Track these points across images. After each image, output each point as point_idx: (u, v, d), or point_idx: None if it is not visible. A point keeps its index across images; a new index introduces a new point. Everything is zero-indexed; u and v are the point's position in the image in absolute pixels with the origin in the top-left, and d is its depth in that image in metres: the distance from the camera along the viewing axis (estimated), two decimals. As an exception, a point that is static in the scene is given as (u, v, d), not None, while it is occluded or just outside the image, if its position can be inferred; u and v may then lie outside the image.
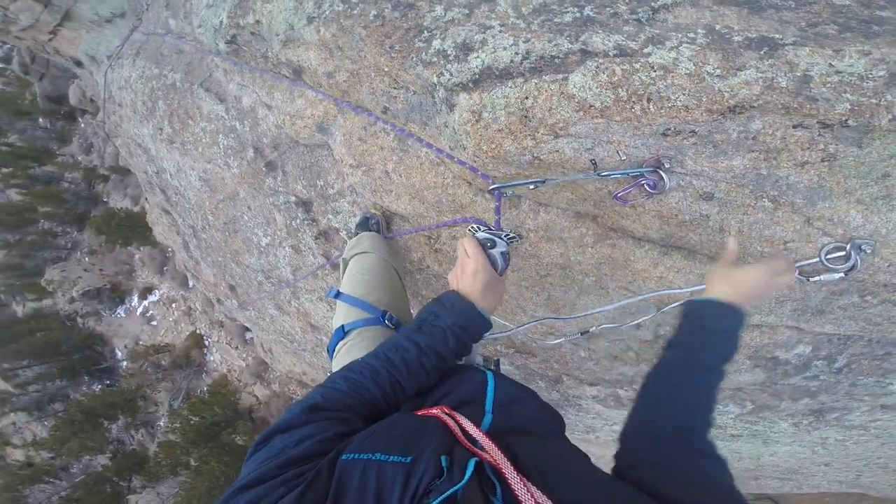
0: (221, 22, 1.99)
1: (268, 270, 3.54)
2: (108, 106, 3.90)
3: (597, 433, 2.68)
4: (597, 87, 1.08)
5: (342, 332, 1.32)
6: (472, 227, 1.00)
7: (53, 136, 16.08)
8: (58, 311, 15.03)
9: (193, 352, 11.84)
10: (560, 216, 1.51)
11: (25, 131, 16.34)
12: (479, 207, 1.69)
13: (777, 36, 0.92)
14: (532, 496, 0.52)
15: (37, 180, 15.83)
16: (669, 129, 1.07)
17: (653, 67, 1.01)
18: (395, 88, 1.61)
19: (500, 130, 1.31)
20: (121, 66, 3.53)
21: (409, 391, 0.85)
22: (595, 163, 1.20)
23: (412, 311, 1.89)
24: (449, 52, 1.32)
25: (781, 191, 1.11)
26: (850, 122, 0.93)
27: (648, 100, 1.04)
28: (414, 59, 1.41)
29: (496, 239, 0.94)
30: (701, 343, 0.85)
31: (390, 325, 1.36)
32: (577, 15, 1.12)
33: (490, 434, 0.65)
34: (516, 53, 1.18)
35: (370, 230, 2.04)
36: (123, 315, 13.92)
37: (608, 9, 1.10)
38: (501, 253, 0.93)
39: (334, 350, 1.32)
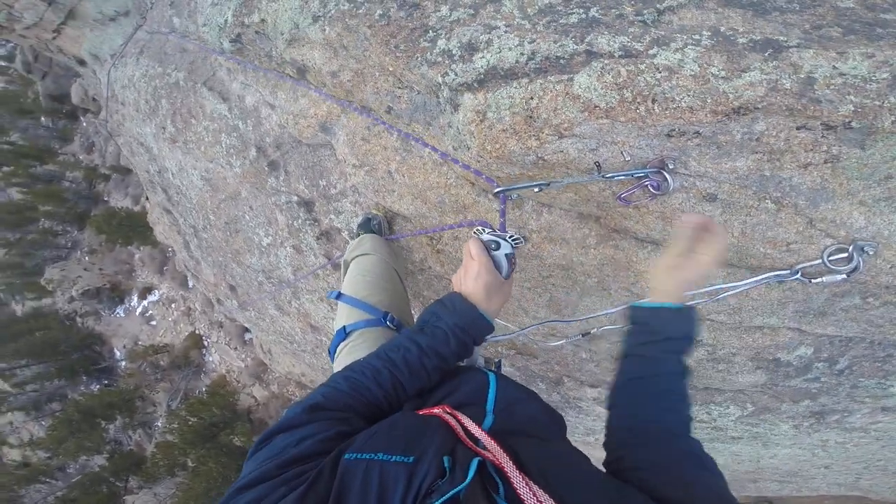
0: (226, 20, 1.99)
1: (269, 270, 3.54)
2: (111, 105, 3.90)
3: (597, 435, 2.68)
4: (602, 88, 1.08)
5: (344, 334, 1.33)
6: (478, 230, 1.00)
7: (55, 135, 16.07)
8: (57, 310, 14.99)
9: (192, 352, 11.81)
10: (563, 217, 1.51)
11: (27, 130, 16.32)
12: (481, 208, 1.69)
13: (781, 38, 0.93)
14: (535, 495, 0.52)
15: (38, 179, 15.81)
16: (674, 130, 1.08)
17: (658, 69, 1.02)
18: (399, 88, 1.61)
19: (504, 130, 1.31)
20: (124, 65, 3.54)
21: (411, 391, 0.85)
22: (599, 165, 1.20)
23: (413, 311, 1.89)
24: (454, 51, 1.33)
25: (784, 192, 1.12)
26: (853, 124, 0.93)
27: (653, 101, 1.04)
28: (419, 58, 1.42)
29: (500, 241, 0.94)
30: (660, 353, 0.82)
31: (392, 327, 1.36)
32: (583, 16, 1.13)
33: (491, 434, 0.65)
34: (521, 54, 1.19)
35: (372, 231, 2.05)
36: (123, 315, 13.89)
37: (613, 10, 1.10)
38: (506, 255, 0.93)
39: (336, 351, 1.33)
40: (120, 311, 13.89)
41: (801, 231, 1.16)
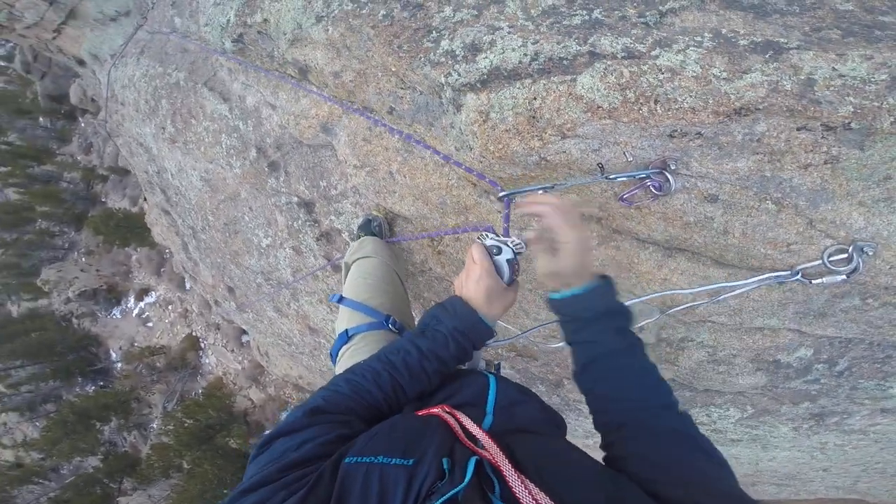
0: (228, 20, 2.00)
1: (267, 272, 3.53)
2: (110, 105, 3.90)
3: (596, 438, 2.67)
4: (605, 89, 1.09)
5: (346, 337, 1.33)
6: (481, 235, 1.00)
7: (53, 136, 16.02)
8: (53, 311, 14.90)
9: (189, 354, 11.75)
10: (564, 218, 1.51)
11: (25, 130, 16.26)
12: (483, 209, 1.70)
13: (782, 40, 0.94)
14: (530, 493, 0.52)
15: (35, 179, 15.75)
16: (676, 130, 1.09)
17: (660, 70, 1.03)
18: (401, 88, 1.62)
19: (507, 131, 1.32)
20: (124, 65, 3.54)
21: (411, 394, 0.85)
22: (602, 166, 1.21)
23: (414, 313, 1.89)
24: (457, 52, 1.34)
25: (785, 193, 1.12)
26: (852, 125, 0.94)
27: (656, 101, 1.05)
28: (422, 59, 1.42)
29: (502, 246, 0.94)
30: (595, 336, 0.81)
31: (394, 330, 1.36)
32: (586, 17, 1.14)
33: (490, 434, 0.65)
34: (525, 54, 1.20)
35: (372, 232, 2.05)
36: (119, 316, 13.81)
37: (616, 12, 1.11)
38: (507, 260, 0.93)
39: (337, 354, 1.33)
40: (116, 312, 13.81)
41: (802, 232, 1.17)
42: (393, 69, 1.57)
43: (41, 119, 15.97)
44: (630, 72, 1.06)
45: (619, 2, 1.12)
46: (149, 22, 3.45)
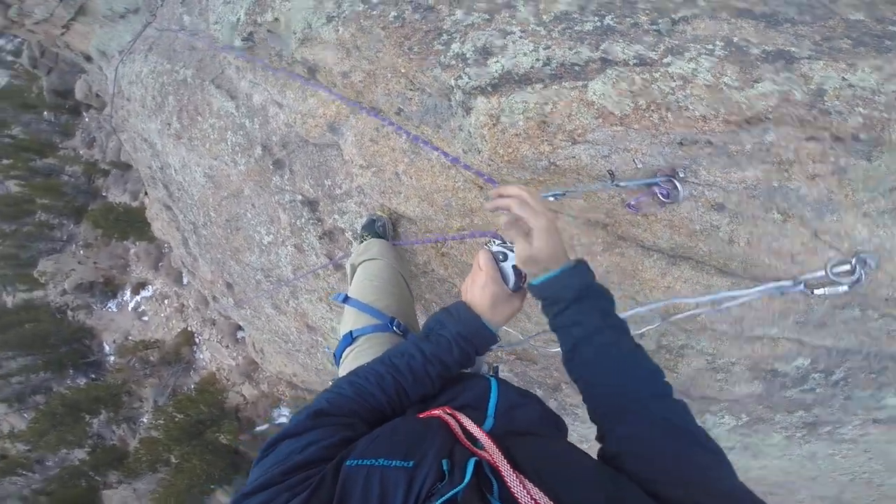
0: (239, 19, 1.98)
1: (268, 269, 3.49)
2: (117, 101, 3.85)
3: (590, 442, 2.66)
4: (616, 95, 1.08)
5: (350, 338, 1.31)
6: (489, 241, 0.99)
7: (57, 130, 15.83)
8: (48, 303, 14.63)
9: (183, 349, 11.57)
10: (571, 224, 1.50)
11: (30, 124, 16.08)
12: (489, 213, 1.68)
13: (793, 49, 0.93)
14: (528, 493, 0.51)
15: (37, 172, 15.53)
16: (686, 138, 1.08)
17: (672, 77, 1.02)
18: (410, 90, 1.60)
19: (517, 135, 1.31)
20: (132, 62, 3.50)
21: (414, 398, 0.84)
22: (612, 172, 1.20)
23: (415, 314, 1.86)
24: (468, 55, 1.32)
25: (791, 203, 1.12)
26: (861, 136, 0.94)
27: (667, 109, 1.04)
28: (432, 61, 1.41)
29: (508, 253, 0.92)
30: (577, 317, 0.79)
31: (398, 332, 1.34)
32: (598, 24, 1.13)
33: (490, 435, 0.64)
34: (537, 59, 1.18)
35: (376, 232, 2.02)
36: (115, 309, 13.60)
37: (628, 19, 1.11)
38: (513, 267, 0.91)
39: (341, 356, 1.31)
40: (112, 305, 13.60)
41: (806, 243, 1.16)
42: (403, 70, 1.55)
43: (46, 113, 15.79)
44: (642, 79, 1.05)
45: (631, 8, 1.12)
46: (158, 19, 3.42)
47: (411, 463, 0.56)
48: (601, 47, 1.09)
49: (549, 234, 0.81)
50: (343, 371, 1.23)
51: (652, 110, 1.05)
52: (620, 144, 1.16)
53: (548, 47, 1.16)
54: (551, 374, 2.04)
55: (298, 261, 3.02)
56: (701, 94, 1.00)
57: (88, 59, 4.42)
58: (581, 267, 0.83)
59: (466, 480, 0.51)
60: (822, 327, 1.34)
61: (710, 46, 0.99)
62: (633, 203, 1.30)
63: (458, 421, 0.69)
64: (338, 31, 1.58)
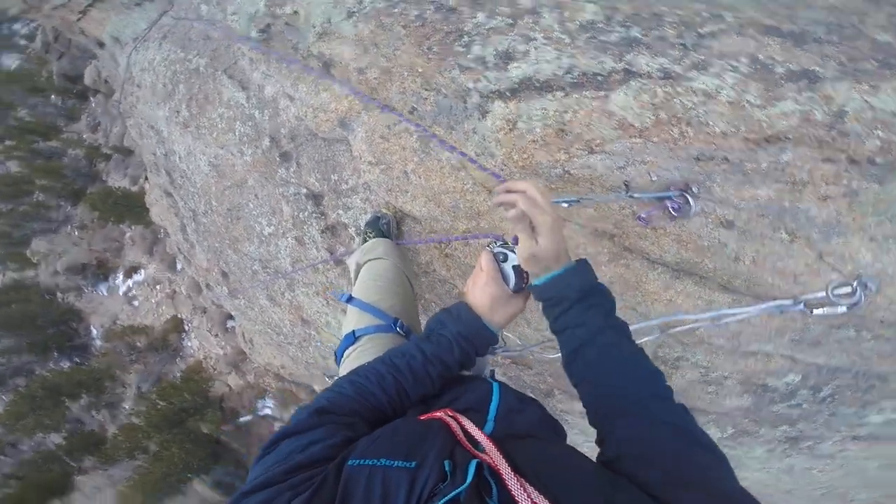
0: (257, 10, 1.92)
1: (266, 260, 3.40)
2: (127, 87, 3.75)
3: (581, 448, 2.62)
4: (638, 107, 1.05)
5: (352, 338, 1.26)
6: (491, 243, 0.96)
7: (63, 114, 15.36)
8: (39, 283, 14.08)
9: (171, 336, 11.21)
10: (578, 233, 1.47)
11: (36, 107, 15.59)
12: (496, 216, 1.64)
13: (818, 69, 0.92)
14: (528, 496, 0.49)
15: (39, 154, 15.02)
16: (703, 154, 1.05)
17: (695, 92, 0.99)
18: (426, 90, 1.56)
19: (534, 141, 1.27)
20: (146, 49, 3.40)
21: (414, 398, 0.82)
22: (628, 184, 1.17)
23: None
24: (488, 59, 1.29)
25: (800, 223, 1.10)
26: (877, 160, 0.92)
27: (688, 124, 1.02)
28: (451, 62, 1.37)
29: (509, 253, 0.90)
30: (579, 317, 0.76)
31: (401, 333, 1.30)
32: (624, 35, 1.10)
33: (490, 438, 0.62)
34: (559, 67, 1.15)
35: (380, 229, 1.97)
36: (105, 293, 13.15)
37: (655, 31, 1.08)
38: (514, 267, 0.89)
39: (343, 355, 1.27)
40: (103, 288, 13.15)
41: (810, 264, 1.15)
42: (420, 70, 1.51)
43: (53, 97, 15.35)
44: (665, 92, 1.02)
45: (658, 21, 1.09)
46: (175, 8, 3.33)
47: (413, 463, 0.54)
48: (625, 58, 1.06)
49: (554, 233, 0.78)
50: (344, 370, 1.19)
51: (672, 124, 1.03)
52: (637, 157, 1.13)
53: (571, 56, 1.13)
54: (545, 379, 2.00)
55: (298, 253, 2.94)
56: (723, 111, 0.97)
57: (101, 45, 4.29)
58: (584, 266, 0.80)
59: (469, 481, 0.50)
60: (817, 346, 1.32)
61: (735, 63, 0.97)
62: (643, 216, 1.27)
63: (459, 423, 0.66)
64: (357, 26, 1.54)
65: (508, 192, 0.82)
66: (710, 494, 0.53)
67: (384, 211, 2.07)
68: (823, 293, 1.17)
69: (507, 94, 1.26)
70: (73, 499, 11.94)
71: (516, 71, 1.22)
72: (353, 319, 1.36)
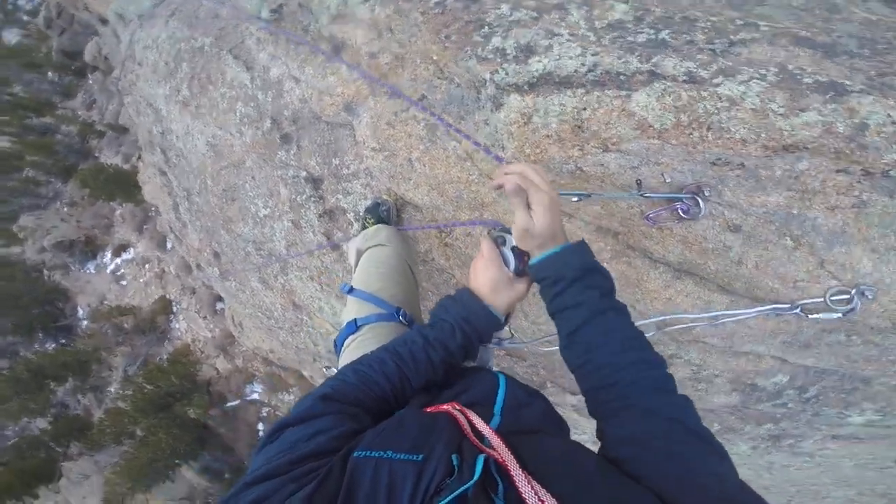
0: (269, -11, 1.81)
1: (260, 242, 3.28)
2: (128, 64, 3.56)
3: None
4: (660, 109, 1.02)
5: (354, 326, 1.20)
6: (491, 230, 0.93)
7: (58, 90, 14.64)
8: (25, 260, 13.40)
9: (159, 318, 10.83)
10: (582, 229, 1.44)
11: (32, 83, 14.86)
12: (500, 208, 1.60)
13: (846, 82, 0.89)
14: (536, 494, 0.47)
15: (32, 130, 14.29)
16: (720, 158, 1.03)
17: (720, 98, 0.96)
18: (438, 78, 1.50)
19: (548, 136, 1.23)
20: (151, 26, 3.23)
21: (417, 385, 0.78)
22: (640, 182, 1.14)
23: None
24: (508, 51, 1.23)
25: (805, 231, 1.09)
26: (891, 173, 0.91)
27: (708, 128, 0.99)
28: (469, 52, 1.31)
29: (507, 236, 0.87)
30: (577, 297, 0.73)
31: (404, 322, 1.24)
32: (652, 37, 1.06)
33: (497, 433, 0.59)
34: (582, 64, 1.11)
35: (380, 216, 1.90)
36: (93, 271, 12.63)
37: (685, 35, 1.04)
38: (512, 248, 0.86)
39: (343, 344, 1.21)
40: (91, 266, 12.63)
41: (811, 271, 1.14)
42: (434, 58, 1.45)
43: (50, 74, 14.63)
44: (689, 96, 0.99)
45: (689, 26, 1.05)
46: (181, -17, 3.16)
47: (420, 457, 0.52)
48: (652, 60, 1.02)
49: (551, 211, 0.75)
50: (344, 360, 1.14)
51: (693, 128, 0.99)
52: (653, 157, 1.10)
53: (595, 53, 1.08)
54: (538, 371, 1.98)
55: (294, 237, 2.84)
56: (745, 118, 0.94)
57: (104, 21, 4.07)
58: (582, 246, 0.77)
59: (476, 477, 0.48)
60: (807, 348, 1.33)
61: (764, 71, 0.94)
62: (651, 215, 1.24)
63: (466, 417, 0.63)
64: (374, 10, 1.46)
65: (507, 174, 0.79)
66: (713, 494, 0.51)
67: (385, 197, 2.00)
68: (821, 299, 1.17)
69: (525, 87, 1.21)
70: (60, 485, 11.52)
71: (537, 65, 1.17)
72: (354, 307, 1.29)
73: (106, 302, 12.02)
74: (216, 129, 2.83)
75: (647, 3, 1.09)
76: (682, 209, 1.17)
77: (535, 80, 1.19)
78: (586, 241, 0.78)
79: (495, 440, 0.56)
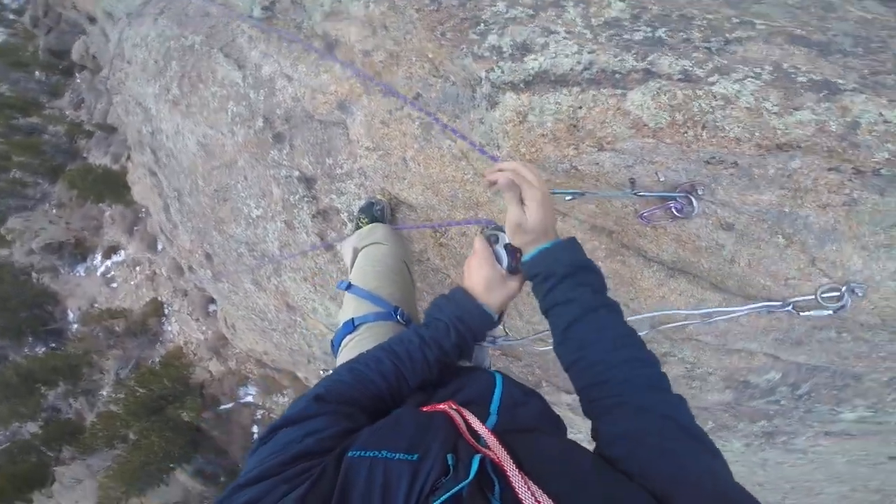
0: (261, -14, 1.79)
1: (252, 243, 3.24)
2: (116, 62, 3.49)
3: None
4: (655, 108, 1.01)
5: (351, 326, 1.19)
6: (484, 229, 0.93)
7: (46, 90, 14.37)
8: (13, 262, 13.10)
9: (151, 320, 10.64)
10: (576, 227, 1.43)
11: (19, 82, 14.59)
12: (495, 207, 1.59)
13: (839, 81, 0.90)
14: (532, 495, 0.47)
15: (18, 130, 14.01)
16: (714, 157, 1.03)
17: (715, 96, 0.96)
18: (434, 76, 1.48)
19: (543, 135, 1.22)
20: (140, 24, 3.18)
21: (413, 384, 0.78)
22: (634, 181, 1.14)
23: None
24: (504, 49, 1.23)
25: (797, 229, 1.09)
26: (882, 171, 0.92)
27: (703, 127, 0.99)
28: (464, 49, 1.30)
29: (499, 234, 0.88)
30: (569, 293, 0.73)
31: (402, 322, 1.23)
32: (649, 35, 1.06)
33: (493, 432, 0.58)
34: (578, 62, 1.10)
35: (374, 215, 1.89)
36: (83, 274, 12.38)
37: (681, 34, 1.04)
38: (505, 246, 0.86)
39: (340, 344, 1.19)
40: (80, 269, 12.38)
41: (803, 268, 1.15)
42: (430, 56, 1.44)
43: (37, 73, 14.36)
44: (684, 94, 0.99)
45: (685, 24, 1.05)
46: (170, -19, 3.11)
47: (415, 456, 0.51)
48: (648, 58, 1.02)
49: (543, 207, 0.77)
50: (342, 359, 1.13)
51: (688, 126, 0.99)
52: (647, 156, 1.10)
53: (592, 51, 1.08)
54: (534, 371, 1.98)
55: (287, 237, 2.81)
56: (740, 116, 0.94)
57: (92, 20, 4.00)
58: (572, 243, 0.78)
59: (471, 476, 0.48)
60: (799, 345, 1.34)
61: (759, 70, 0.94)
62: (645, 214, 1.24)
63: (462, 417, 0.63)
64: (368, 7, 1.45)
65: (500, 170, 0.80)
66: (707, 491, 0.51)
67: (379, 197, 1.98)
68: (813, 297, 1.18)
69: (521, 85, 1.21)
70: (53, 490, 11.29)
71: (533, 63, 1.16)
72: (351, 307, 1.28)
73: (96, 305, 11.81)
74: (207, 129, 2.79)
75: (643, 0, 1.09)
76: (675, 208, 1.17)
77: (531, 78, 1.19)
78: (577, 239, 0.79)
79: (491, 440, 0.56)
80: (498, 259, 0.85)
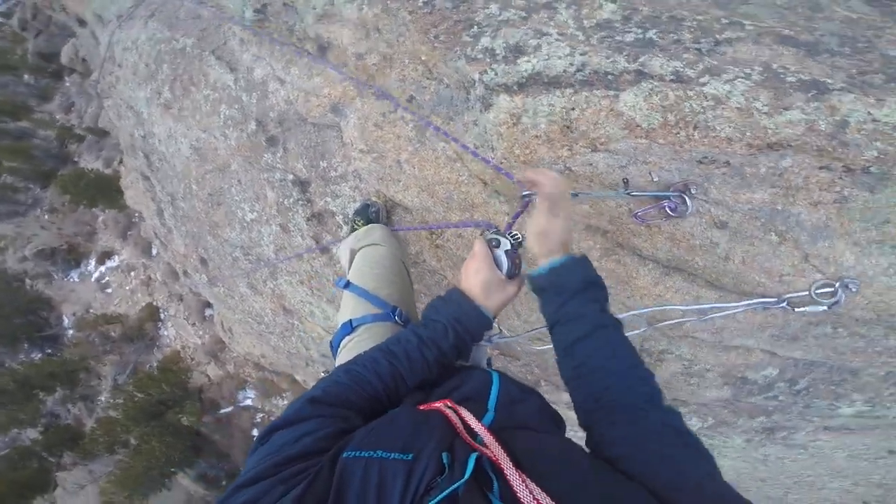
0: (253, -11, 1.79)
1: (247, 247, 3.25)
2: (107, 66, 3.48)
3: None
4: (647, 109, 1.03)
5: (349, 327, 1.21)
6: (484, 231, 0.94)
7: (35, 93, 14.27)
8: (6, 269, 13.07)
9: (147, 325, 10.62)
10: (572, 227, 1.45)
11: (7, 86, 14.46)
12: (490, 209, 1.60)
13: (828, 80, 0.91)
14: (531, 493, 0.47)
15: (7, 135, 13.91)
16: (706, 157, 1.04)
17: (706, 97, 0.97)
18: (427, 79, 1.50)
19: (537, 137, 1.23)
20: (130, 27, 3.17)
21: (411, 383, 0.79)
22: (627, 181, 1.15)
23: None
24: (498, 51, 1.24)
25: (789, 226, 1.11)
26: (871, 169, 0.93)
27: (695, 127, 1.00)
28: (458, 52, 1.31)
29: (500, 239, 0.89)
30: (578, 309, 0.75)
31: (400, 322, 1.24)
32: (640, 36, 1.07)
33: (490, 430, 0.59)
34: (571, 64, 1.12)
35: (369, 218, 1.90)
36: (77, 279, 12.34)
37: (672, 35, 1.05)
38: (506, 252, 0.88)
39: (339, 345, 1.20)
40: (74, 275, 12.34)
41: (796, 265, 1.16)
42: (423, 58, 1.45)
43: (26, 76, 14.26)
44: (675, 95, 1.00)
45: (676, 25, 1.07)
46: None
47: (410, 455, 0.52)
48: (639, 60, 1.03)
49: (569, 221, 0.82)
50: (340, 360, 1.14)
51: (680, 127, 1.01)
52: (641, 157, 1.11)
53: (584, 53, 1.09)
54: (532, 370, 2.00)
55: (282, 241, 2.82)
56: (731, 116, 0.96)
57: (82, 23, 3.97)
58: (583, 260, 0.81)
59: (467, 475, 0.48)
60: (795, 341, 1.35)
61: (749, 70, 0.96)
62: (639, 213, 1.26)
63: (459, 415, 0.63)
64: (361, 9, 1.45)
65: (542, 176, 0.84)
66: (708, 493, 0.53)
67: (374, 199, 1.99)
68: (807, 293, 1.20)
69: (515, 87, 1.22)
70: (56, 496, 11.29)
71: (526, 65, 1.17)
72: (349, 308, 1.29)
73: (91, 310, 11.77)
74: (200, 132, 2.79)
75: (634, 2, 1.11)
76: (669, 207, 1.19)
77: (525, 80, 1.20)
78: (587, 257, 0.82)
79: (488, 437, 0.56)
80: (498, 264, 0.87)
